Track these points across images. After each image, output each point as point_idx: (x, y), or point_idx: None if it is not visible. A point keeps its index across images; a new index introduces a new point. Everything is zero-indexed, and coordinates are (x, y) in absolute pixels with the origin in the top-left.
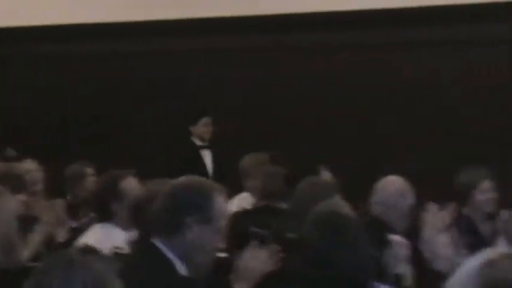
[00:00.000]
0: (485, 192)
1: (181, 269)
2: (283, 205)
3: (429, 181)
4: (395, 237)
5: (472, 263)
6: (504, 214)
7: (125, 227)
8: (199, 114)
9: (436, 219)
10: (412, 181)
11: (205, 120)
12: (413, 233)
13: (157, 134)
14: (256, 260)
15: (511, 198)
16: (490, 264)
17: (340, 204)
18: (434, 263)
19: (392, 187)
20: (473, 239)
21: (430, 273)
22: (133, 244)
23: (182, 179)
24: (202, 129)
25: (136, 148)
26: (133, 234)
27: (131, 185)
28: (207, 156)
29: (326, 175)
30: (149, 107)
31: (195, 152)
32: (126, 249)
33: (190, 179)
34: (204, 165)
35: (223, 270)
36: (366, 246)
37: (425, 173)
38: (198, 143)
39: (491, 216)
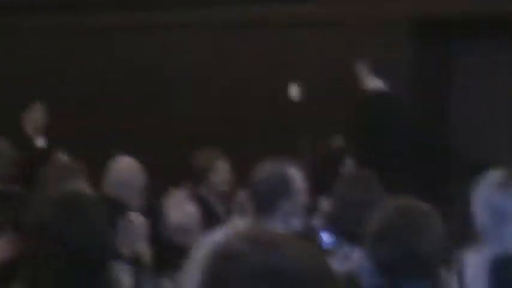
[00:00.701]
0: (219, 173)
1: None
2: (19, 189)
3: (166, 162)
4: (132, 216)
5: (208, 240)
6: (241, 194)
7: None
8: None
9: (175, 198)
10: (148, 160)
11: (36, 107)
12: (151, 211)
13: None
14: None
15: (249, 178)
16: (223, 240)
17: (77, 185)
18: (173, 241)
19: (123, 167)
20: (209, 218)
21: (168, 250)
22: None
23: None
24: (34, 116)
25: None
26: None
27: None
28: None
29: (64, 158)
30: None
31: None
32: None
33: None
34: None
35: None
36: (104, 225)
37: (163, 153)
38: (31, 131)
39: (226, 196)
